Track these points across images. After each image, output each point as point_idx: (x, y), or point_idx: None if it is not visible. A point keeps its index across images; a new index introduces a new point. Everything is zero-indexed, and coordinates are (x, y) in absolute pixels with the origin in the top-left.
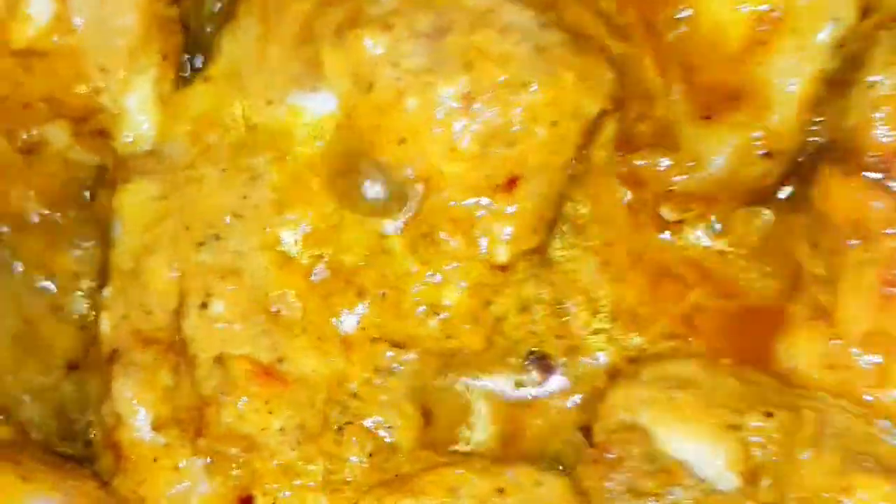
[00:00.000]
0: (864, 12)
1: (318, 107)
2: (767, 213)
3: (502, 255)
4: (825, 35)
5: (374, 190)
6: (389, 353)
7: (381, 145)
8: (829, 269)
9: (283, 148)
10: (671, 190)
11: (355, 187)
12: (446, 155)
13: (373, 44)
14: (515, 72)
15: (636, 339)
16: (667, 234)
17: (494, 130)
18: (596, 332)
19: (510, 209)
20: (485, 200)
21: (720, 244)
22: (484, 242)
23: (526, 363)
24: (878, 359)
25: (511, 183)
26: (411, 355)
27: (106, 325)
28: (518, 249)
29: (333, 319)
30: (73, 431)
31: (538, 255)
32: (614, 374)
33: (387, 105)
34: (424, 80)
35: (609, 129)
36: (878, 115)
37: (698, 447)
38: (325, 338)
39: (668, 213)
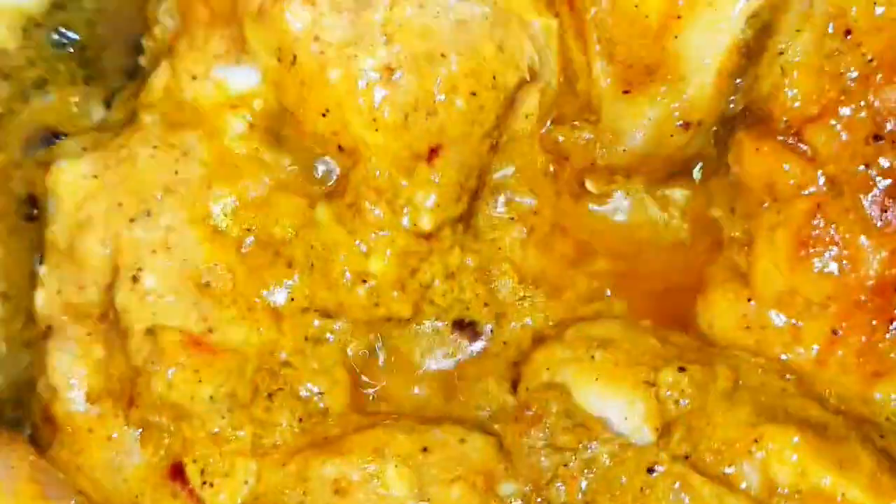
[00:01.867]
0: None
1: (241, 81)
2: (688, 183)
3: (426, 223)
4: (739, 7)
5: (302, 162)
6: (318, 323)
7: (306, 118)
8: (745, 233)
9: (213, 123)
10: (594, 163)
11: (284, 160)
12: (369, 125)
13: (295, 18)
14: (435, 44)
15: (561, 304)
16: (592, 205)
17: (415, 101)
18: (522, 298)
19: (432, 178)
20: (408, 170)
21: (644, 213)
22: (408, 211)
23: (454, 330)
24: (791, 318)
25: (433, 152)
26: (341, 324)
27: (41, 301)
28: (441, 217)
29: (263, 290)
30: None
31: (462, 223)
32: (540, 338)
33: (310, 78)
34: (346, 52)
35: (531, 101)
36: (787, 80)
37: (615, 403)
38: (255, 308)
39: (591, 185)
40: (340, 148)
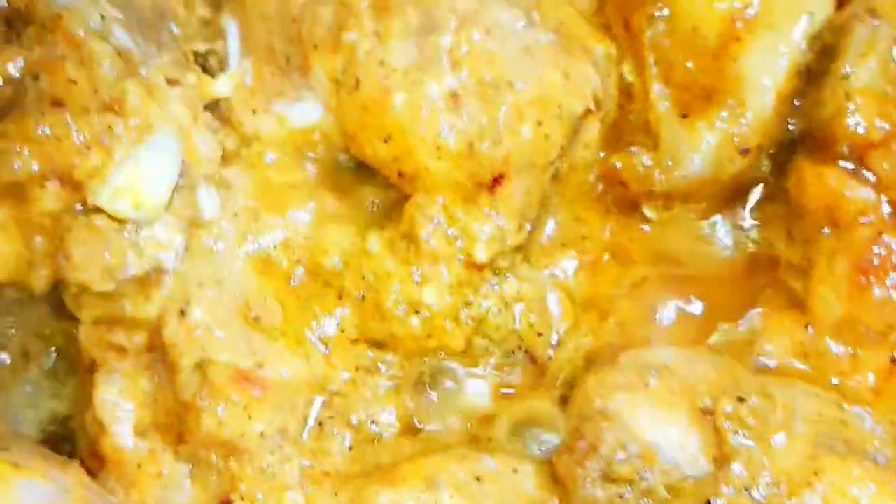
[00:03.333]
0: (839, 3)
1: (302, 116)
2: (746, 209)
3: (482, 254)
4: (800, 29)
5: (363, 190)
6: (370, 354)
7: (366, 142)
8: (803, 258)
9: (264, 155)
10: (652, 189)
11: (344, 189)
12: (432, 153)
13: (360, 42)
14: (502, 71)
15: (612, 328)
16: (646, 227)
17: (480, 129)
18: (576, 324)
19: (494, 207)
20: (468, 198)
21: (700, 238)
22: (464, 241)
23: (508, 359)
24: (849, 347)
25: (496, 182)
26: (392, 355)
27: (85, 334)
28: (499, 248)
29: (313, 322)
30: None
31: (520, 253)
32: (591, 363)
33: (373, 103)
34: (412, 77)
35: (592, 130)
36: (851, 105)
37: (671, 432)
38: (305, 341)
39: (650, 211)
40: (400, 174)
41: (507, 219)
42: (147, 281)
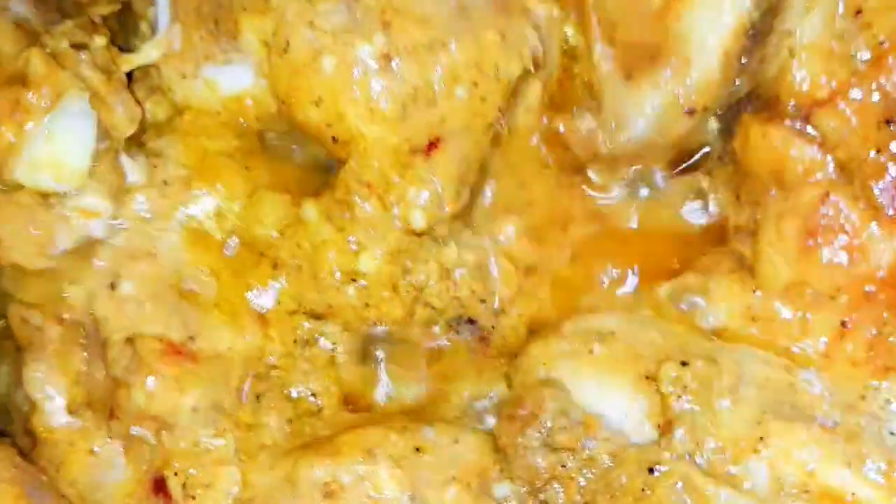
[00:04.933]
0: None
1: (233, 81)
2: (692, 171)
3: (419, 220)
4: None
5: (298, 158)
6: (308, 325)
7: (297, 107)
8: (751, 221)
9: (196, 123)
10: (597, 152)
11: (279, 158)
12: (364, 116)
13: (289, 3)
14: (435, 31)
15: (558, 295)
16: (593, 193)
17: (414, 91)
18: (520, 291)
19: (430, 172)
20: (404, 163)
21: (646, 201)
22: (399, 208)
23: (450, 328)
24: (798, 311)
25: (432, 145)
26: (331, 326)
27: (12, 313)
28: (437, 214)
29: (248, 294)
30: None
31: (460, 220)
32: (536, 332)
33: (303, 65)
34: (342, 39)
35: (534, 93)
36: (795, 62)
37: (615, 399)
38: (240, 313)
39: (595, 175)
40: (334, 139)
41: (444, 184)
42: (82, 253)
